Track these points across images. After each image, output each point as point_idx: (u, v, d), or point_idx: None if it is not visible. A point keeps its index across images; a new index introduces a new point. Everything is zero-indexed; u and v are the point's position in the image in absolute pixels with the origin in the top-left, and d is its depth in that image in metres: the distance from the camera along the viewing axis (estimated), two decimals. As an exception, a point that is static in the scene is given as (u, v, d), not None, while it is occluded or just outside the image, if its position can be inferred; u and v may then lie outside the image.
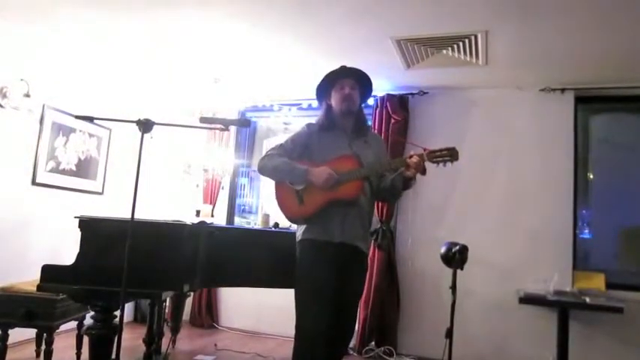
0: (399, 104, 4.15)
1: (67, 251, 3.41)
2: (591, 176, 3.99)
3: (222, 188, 4.84)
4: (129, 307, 4.53)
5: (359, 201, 2.21)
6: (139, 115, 2.20)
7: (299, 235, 2.27)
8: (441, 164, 2.12)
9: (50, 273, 2.30)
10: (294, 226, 2.60)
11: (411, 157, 2.14)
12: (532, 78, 3.78)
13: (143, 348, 3.17)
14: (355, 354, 3.91)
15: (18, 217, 3.56)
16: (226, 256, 2.74)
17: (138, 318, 4.60)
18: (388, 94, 4.18)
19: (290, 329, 2.18)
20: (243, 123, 2.53)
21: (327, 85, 2.38)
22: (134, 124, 2.04)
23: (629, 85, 3.65)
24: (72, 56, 3.95)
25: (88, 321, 2.39)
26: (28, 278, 2.88)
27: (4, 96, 3.36)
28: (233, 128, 4.88)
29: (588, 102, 3.95)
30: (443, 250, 2.72)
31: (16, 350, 3.23)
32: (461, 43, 3.24)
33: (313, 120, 2.43)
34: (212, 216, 4.41)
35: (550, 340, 3.43)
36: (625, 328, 3.42)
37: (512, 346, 3.66)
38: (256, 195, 5.72)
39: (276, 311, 4.07)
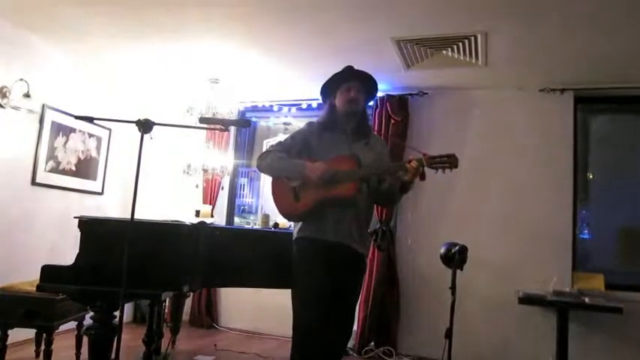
0: (399, 105, 4.15)
1: (66, 251, 3.43)
2: (591, 176, 4.00)
3: (222, 188, 4.83)
4: (128, 307, 4.53)
5: (355, 202, 2.20)
6: (139, 115, 2.21)
7: (295, 234, 2.27)
8: (440, 170, 2.11)
9: (50, 273, 2.30)
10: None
11: (410, 162, 2.12)
12: (532, 78, 3.78)
13: (143, 348, 3.16)
14: (355, 354, 3.91)
15: (17, 217, 3.56)
16: (226, 256, 2.74)
17: (137, 318, 4.59)
18: (388, 95, 4.18)
19: (290, 330, 2.18)
20: (243, 123, 2.54)
21: (333, 84, 2.37)
22: (134, 125, 2.04)
23: (629, 86, 3.65)
24: (72, 56, 3.96)
25: (88, 321, 2.38)
26: (27, 278, 2.88)
27: (4, 96, 3.36)
28: (233, 128, 4.89)
29: (588, 102, 3.95)
30: (442, 250, 2.72)
31: (16, 350, 3.23)
32: (461, 44, 3.24)
33: (314, 120, 2.43)
34: (212, 216, 4.40)
35: (549, 340, 3.43)
36: (624, 328, 3.43)
37: (512, 347, 3.66)
38: (256, 195, 5.72)
39: (275, 311, 4.06)
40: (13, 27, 3.45)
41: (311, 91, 4.27)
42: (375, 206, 3.77)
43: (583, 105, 3.94)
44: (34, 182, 3.68)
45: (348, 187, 2.15)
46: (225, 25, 3.23)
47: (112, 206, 4.47)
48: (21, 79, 3.42)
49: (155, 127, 2.06)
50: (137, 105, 4.60)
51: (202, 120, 2.34)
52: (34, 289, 2.36)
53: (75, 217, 2.38)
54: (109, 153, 4.41)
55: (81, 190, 4.13)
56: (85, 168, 4.16)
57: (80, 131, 4.10)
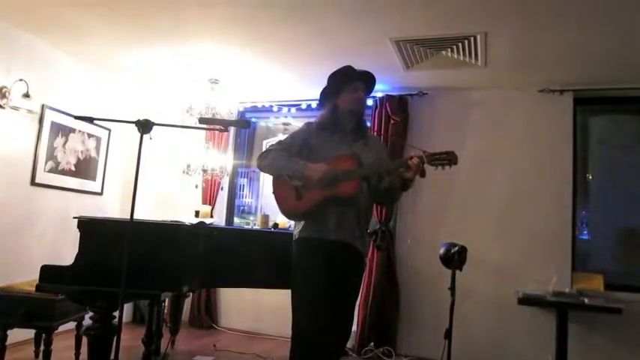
0: (399, 105, 4.15)
1: (66, 251, 3.43)
2: (590, 177, 4.00)
3: (222, 189, 4.84)
4: (128, 307, 4.53)
5: (357, 200, 2.21)
6: (139, 115, 2.21)
7: (296, 234, 2.27)
8: (439, 167, 2.13)
9: (49, 273, 2.29)
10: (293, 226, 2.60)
11: (411, 158, 2.14)
12: (531, 79, 3.79)
13: (142, 348, 3.16)
14: (354, 354, 3.91)
15: (17, 217, 3.56)
16: (225, 256, 2.74)
17: (137, 318, 4.59)
18: (387, 95, 4.18)
19: (289, 330, 2.18)
20: (243, 124, 2.54)
21: (338, 85, 2.35)
22: (133, 125, 2.04)
23: (628, 87, 3.65)
24: (71, 56, 3.96)
25: (87, 321, 2.38)
26: (26, 278, 2.88)
27: (4, 96, 3.36)
28: (232, 129, 4.89)
29: (587, 103, 3.95)
30: (442, 250, 2.72)
31: (15, 351, 3.22)
32: (460, 44, 3.25)
33: (312, 120, 2.43)
34: (211, 216, 4.40)
35: (549, 340, 3.43)
36: (624, 328, 3.43)
37: (511, 347, 3.66)
38: (255, 195, 5.73)
39: (275, 312, 4.07)
40: (13, 27, 3.45)
41: (310, 91, 4.28)
42: (374, 206, 3.80)
43: (582, 106, 3.94)
44: (33, 182, 3.68)
45: (350, 186, 2.16)
46: (225, 26, 3.23)
47: (112, 206, 4.47)
48: (20, 80, 3.42)
49: (155, 128, 2.06)
50: (137, 105, 4.60)
51: (202, 120, 2.34)
52: (34, 289, 2.36)
53: (74, 218, 2.38)
54: (108, 153, 4.41)
55: (80, 191, 4.13)
56: (84, 168, 4.16)
57: (80, 131, 4.10)
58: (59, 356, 3.05)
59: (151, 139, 2.07)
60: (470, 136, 4.04)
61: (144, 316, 4.29)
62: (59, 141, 3.90)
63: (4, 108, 3.38)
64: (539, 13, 2.76)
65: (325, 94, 2.40)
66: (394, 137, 4.06)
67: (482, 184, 3.98)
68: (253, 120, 5.12)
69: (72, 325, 3.06)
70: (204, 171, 4.41)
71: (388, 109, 4.14)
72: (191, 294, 4.40)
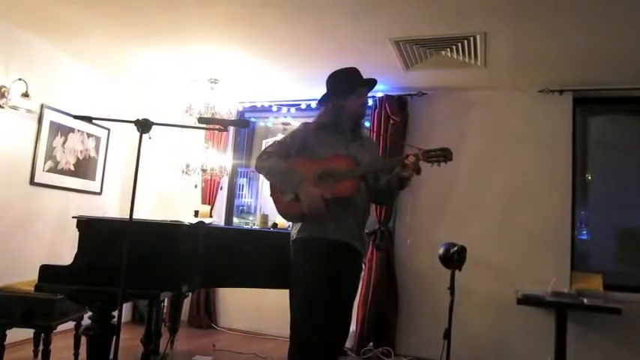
0: (398, 105, 4.15)
1: (65, 251, 3.43)
2: (589, 177, 4.00)
3: (221, 188, 4.83)
4: (127, 307, 4.52)
5: (354, 200, 2.21)
6: (138, 115, 2.20)
7: (294, 234, 2.27)
8: (435, 164, 2.14)
9: (48, 273, 2.29)
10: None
11: (407, 157, 2.16)
12: (530, 79, 3.79)
13: (141, 348, 3.16)
14: (353, 354, 3.91)
15: (16, 216, 3.56)
16: (224, 256, 2.74)
17: (136, 318, 4.59)
18: (387, 95, 4.18)
19: (289, 330, 2.18)
20: (242, 123, 2.54)
21: (348, 86, 2.33)
22: (133, 124, 2.04)
23: (628, 87, 3.65)
24: (71, 56, 3.95)
25: (86, 321, 2.38)
26: (25, 278, 2.87)
27: (3, 96, 3.36)
28: (232, 129, 4.89)
29: (587, 103, 3.95)
30: (441, 250, 2.72)
31: (14, 350, 3.22)
32: (460, 45, 3.25)
33: (308, 120, 2.43)
34: (210, 216, 4.41)
35: (548, 340, 3.43)
36: (623, 328, 3.43)
37: (511, 347, 3.67)
38: (255, 195, 5.73)
39: (274, 312, 4.07)
40: (12, 27, 3.44)
41: (310, 91, 4.28)
42: (374, 207, 3.81)
43: (582, 106, 3.95)
44: (32, 182, 3.68)
45: (347, 186, 2.16)
46: (225, 26, 3.23)
47: (111, 206, 4.46)
48: (19, 79, 3.41)
49: (154, 127, 2.06)
50: (136, 105, 4.60)
51: (201, 120, 2.34)
52: (33, 289, 2.35)
53: (73, 217, 2.38)
54: (107, 153, 4.41)
55: (79, 190, 4.13)
56: (83, 168, 4.16)
57: (79, 131, 4.09)
58: (58, 356, 3.05)
59: (150, 138, 2.06)
60: (469, 136, 4.04)
61: (143, 315, 4.29)
62: (58, 140, 3.89)
63: (3, 107, 3.37)
64: (539, 13, 2.76)
65: (330, 94, 2.35)
66: (394, 137, 4.06)
67: (482, 184, 3.98)
68: (252, 120, 5.12)
69: (71, 324, 3.06)
70: (204, 171, 4.41)
71: (388, 109, 4.14)
72: (190, 294, 4.40)
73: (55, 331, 2.80)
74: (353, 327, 3.84)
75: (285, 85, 4.34)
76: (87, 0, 2.97)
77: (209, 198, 4.70)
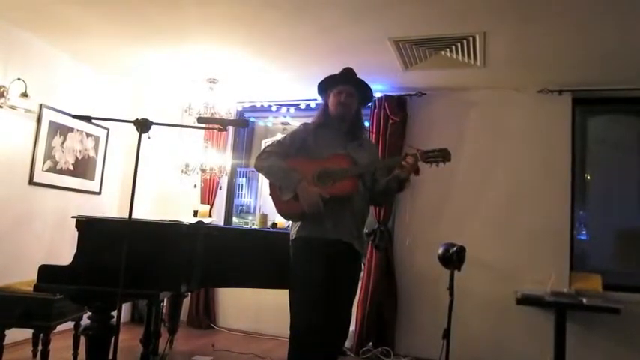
0: (398, 105, 4.15)
1: (64, 251, 3.42)
2: (588, 177, 4.00)
3: (220, 188, 4.83)
4: (126, 307, 4.52)
5: (353, 200, 2.22)
6: (137, 114, 2.20)
7: (293, 234, 2.27)
8: (434, 164, 2.14)
9: (47, 273, 2.29)
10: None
11: (405, 157, 2.16)
12: (530, 79, 3.79)
13: (140, 348, 3.16)
14: (352, 354, 3.91)
15: (15, 216, 3.55)
16: (224, 256, 2.74)
17: (135, 318, 4.59)
18: (386, 95, 4.18)
19: (288, 330, 2.18)
20: (242, 123, 2.54)
21: (327, 84, 2.41)
22: (132, 124, 2.04)
23: (627, 87, 3.66)
24: (70, 56, 3.95)
25: (85, 321, 2.38)
26: (24, 278, 2.87)
27: (2, 95, 3.35)
28: (231, 128, 4.88)
29: (586, 103, 3.96)
30: (441, 250, 2.72)
31: (13, 351, 3.21)
32: (459, 45, 3.25)
33: (308, 121, 2.45)
34: (210, 216, 4.40)
35: (547, 340, 3.44)
36: (622, 328, 3.44)
37: (510, 347, 3.67)
38: (254, 195, 5.73)
39: (273, 312, 4.07)
40: (11, 26, 3.44)
41: (309, 91, 4.27)
42: (373, 207, 3.80)
43: (581, 106, 3.95)
44: (31, 182, 3.67)
45: (347, 185, 2.17)
46: (225, 26, 3.22)
47: (110, 206, 4.46)
48: (18, 79, 3.41)
49: (153, 127, 2.06)
50: (135, 104, 4.60)
51: (200, 120, 2.34)
52: (32, 288, 2.35)
53: (72, 217, 2.37)
54: (106, 153, 4.40)
55: (79, 190, 4.12)
56: (82, 168, 4.16)
57: (78, 131, 4.09)
58: (57, 356, 3.05)
59: (149, 138, 2.06)
60: (468, 136, 4.04)
61: (142, 315, 4.28)
62: (57, 140, 3.89)
63: (2, 107, 3.36)
64: (538, 13, 2.76)
65: (319, 91, 2.46)
66: (393, 137, 4.06)
67: (481, 184, 3.98)
68: (252, 120, 5.12)
69: (70, 324, 3.06)
70: (203, 170, 4.41)
71: (387, 109, 4.14)
72: (189, 294, 4.40)
73: (54, 331, 2.80)
74: (352, 327, 3.85)
75: (285, 85, 4.34)
76: (86, 2, 2.97)
77: (208, 198, 4.70)
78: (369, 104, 3.16)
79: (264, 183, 5.44)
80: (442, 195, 4.04)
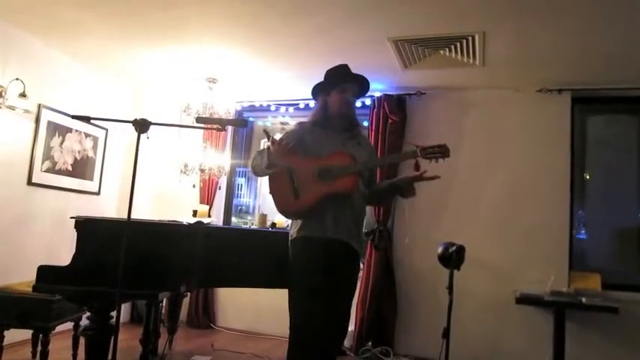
0: (397, 105, 4.15)
1: (63, 252, 3.42)
2: (587, 177, 4.01)
3: (219, 188, 4.83)
4: (125, 307, 4.52)
5: (352, 199, 2.22)
6: (136, 114, 2.20)
7: (293, 234, 2.27)
8: (433, 160, 2.14)
9: (46, 273, 2.28)
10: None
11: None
12: (529, 79, 3.79)
13: (140, 349, 3.16)
14: (352, 354, 3.91)
15: (13, 217, 3.55)
16: (223, 256, 2.73)
17: (134, 318, 4.58)
18: (385, 95, 4.18)
19: (287, 329, 2.18)
20: (241, 123, 2.53)
21: (329, 83, 2.38)
22: (130, 124, 2.03)
23: (626, 87, 3.66)
24: (68, 56, 3.94)
25: (85, 322, 2.38)
26: (23, 279, 2.87)
27: (0, 96, 3.35)
28: (230, 128, 4.88)
29: (585, 103, 3.96)
30: (440, 250, 2.72)
31: (12, 351, 3.21)
32: (458, 44, 3.25)
33: (304, 120, 2.45)
34: (209, 216, 4.40)
35: (546, 340, 3.44)
36: (620, 328, 3.44)
37: (509, 346, 3.67)
38: (253, 195, 5.72)
39: (273, 311, 4.07)
40: (9, 26, 3.43)
41: (308, 91, 4.22)
42: (373, 207, 3.80)
43: (580, 105, 3.95)
44: (30, 182, 3.67)
45: (347, 181, 2.18)
46: (224, 25, 3.22)
47: (109, 206, 4.45)
48: (17, 79, 3.40)
49: (152, 127, 2.05)
50: (134, 104, 4.59)
51: (199, 120, 2.34)
52: (31, 289, 2.35)
53: (71, 218, 2.37)
54: (105, 153, 4.40)
55: (77, 190, 4.12)
56: (81, 168, 4.15)
57: (77, 131, 4.08)
58: (56, 357, 3.04)
59: (148, 138, 2.06)
60: (468, 135, 4.04)
61: (141, 316, 4.27)
62: (56, 140, 3.88)
63: (0, 107, 3.36)
64: (538, 12, 2.76)
65: (316, 89, 2.43)
66: (392, 137, 4.06)
67: (480, 183, 3.99)
68: (251, 119, 5.11)
69: (69, 325, 3.06)
70: (202, 170, 4.40)
71: (386, 108, 4.14)
72: (189, 294, 4.40)
73: (53, 332, 2.80)
74: (351, 326, 3.86)
75: (284, 84, 4.33)
76: (85, 2, 2.96)
77: (207, 198, 4.70)
78: (361, 98, 3.20)
79: (263, 183, 5.43)
80: (441, 194, 4.04)
